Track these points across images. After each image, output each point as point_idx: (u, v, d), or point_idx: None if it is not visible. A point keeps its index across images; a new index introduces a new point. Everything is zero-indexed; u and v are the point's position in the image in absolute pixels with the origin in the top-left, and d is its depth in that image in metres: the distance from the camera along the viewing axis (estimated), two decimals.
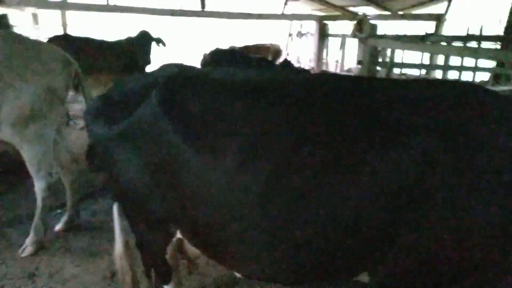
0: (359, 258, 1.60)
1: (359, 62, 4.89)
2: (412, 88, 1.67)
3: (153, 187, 1.67)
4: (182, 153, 1.55)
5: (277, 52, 10.27)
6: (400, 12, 8.91)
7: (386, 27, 6.84)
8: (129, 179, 1.73)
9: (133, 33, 7.16)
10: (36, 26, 10.39)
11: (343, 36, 9.11)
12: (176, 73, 1.75)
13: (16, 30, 7.89)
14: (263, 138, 1.51)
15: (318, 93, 1.63)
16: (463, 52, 3.89)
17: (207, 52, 7.19)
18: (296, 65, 10.99)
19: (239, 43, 10.42)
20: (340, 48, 9.35)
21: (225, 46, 9.46)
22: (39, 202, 3.04)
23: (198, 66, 7.19)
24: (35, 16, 10.31)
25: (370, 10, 9.49)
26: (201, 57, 7.42)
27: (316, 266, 1.65)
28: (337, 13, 10.20)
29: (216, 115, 1.58)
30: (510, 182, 1.38)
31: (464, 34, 6.48)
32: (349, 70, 9.53)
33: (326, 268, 1.68)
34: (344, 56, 9.48)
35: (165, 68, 1.89)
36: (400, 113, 1.51)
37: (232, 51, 7.59)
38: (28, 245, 2.99)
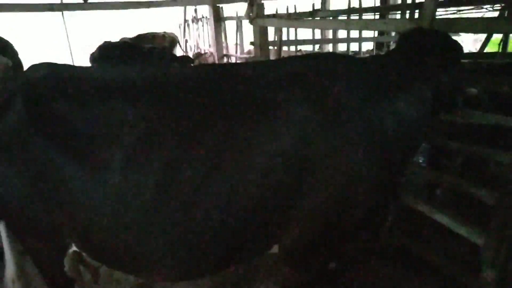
0: (266, 233, 1.65)
1: (251, 43, 4.86)
2: (279, 66, 1.75)
3: (34, 199, 1.56)
4: (60, 165, 1.47)
5: (172, 40, 9.90)
6: None
7: (278, 6, 6.97)
8: (8, 193, 1.57)
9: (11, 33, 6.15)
10: None
11: (238, 19, 9.06)
12: (45, 75, 1.62)
13: None
14: (148, 139, 1.46)
15: (195, 86, 1.62)
16: (349, 25, 4.07)
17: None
18: (196, 51, 10.73)
19: (132, 34, 9.75)
20: (237, 30, 9.29)
21: (116, 39, 8.76)
22: None
23: (88, 64, 6.62)
24: None
25: None
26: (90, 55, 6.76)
27: (226, 253, 1.64)
28: None
29: (93, 120, 1.48)
30: (374, 136, 1.54)
31: (347, 7, 6.92)
32: (248, 51, 9.57)
33: (236, 252, 1.68)
34: (242, 38, 9.45)
35: (33, 69, 1.70)
36: (272, 89, 1.58)
37: (122, 44, 7.06)
38: None
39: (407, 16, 6.10)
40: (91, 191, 1.46)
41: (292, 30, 6.33)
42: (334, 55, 2.07)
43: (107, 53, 6.30)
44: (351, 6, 6.59)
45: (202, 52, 9.91)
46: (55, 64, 1.78)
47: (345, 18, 6.44)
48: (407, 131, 1.64)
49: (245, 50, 9.60)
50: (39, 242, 1.77)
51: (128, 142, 1.45)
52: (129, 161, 1.44)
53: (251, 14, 7.99)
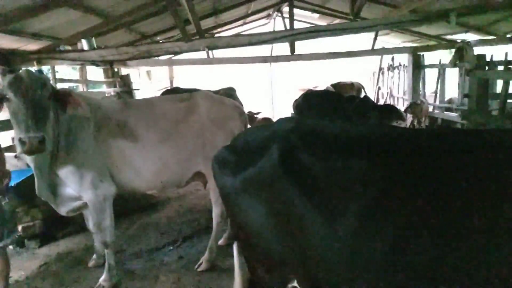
0: None
1: (465, 96, 4.43)
2: None
3: (274, 235, 1.72)
4: (300, 208, 1.58)
5: (358, 89, 10.27)
6: (509, 35, 8.02)
7: (487, 51, 6.12)
8: (251, 224, 1.82)
9: (230, 80, 7.54)
10: (149, 81, 12.01)
11: (441, 66, 8.50)
12: (293, 128, 1.80)
13: (134, 86, 9.25)
14: (384, 199, 1.44)
15: (436, 148, 1.53)
16: None
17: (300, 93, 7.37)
18: (389, 99, 10.58)
19: (324, 81, 10.49)
20: (438, 78, 8.72)
21: (310, 85, 9.52)
22: (214, 226, 3.62)
23: (291, 108, 7.41)
24: (148, 73, 11.99)
25: (469, 37, 8.76)
26: (293, 100, 7.58)
27: None
28: (431, 42, 9.63)
29: (333, 173, 1.57)
30: None
31: None
32: (450, 101, 8.80)
33: None
34: (444, 87, 8.80)
35: (282, 122, 1.97)
36: None
37: (324, 92, 7.63)
38: (203, 262, 3.57)
39: None
40: (323, 237, 1.52)
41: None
42: None
43: (310, 100, 6.91)
44: None
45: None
46: (300, 118, 2.04)
47: None
48: None
49: (446, 99, 8.89)
50: (266, 272, 1.90)
51: (362, 199, 1.46)
52: (362, 219, 1.44)
53: (457, 62, 7.38)
